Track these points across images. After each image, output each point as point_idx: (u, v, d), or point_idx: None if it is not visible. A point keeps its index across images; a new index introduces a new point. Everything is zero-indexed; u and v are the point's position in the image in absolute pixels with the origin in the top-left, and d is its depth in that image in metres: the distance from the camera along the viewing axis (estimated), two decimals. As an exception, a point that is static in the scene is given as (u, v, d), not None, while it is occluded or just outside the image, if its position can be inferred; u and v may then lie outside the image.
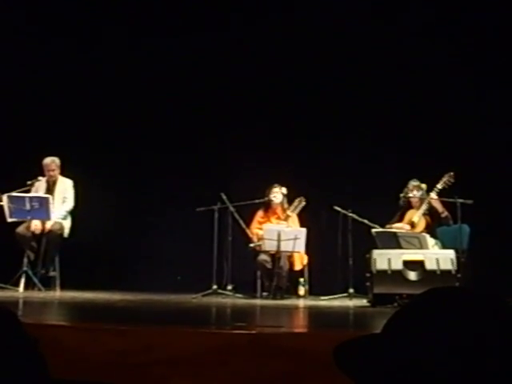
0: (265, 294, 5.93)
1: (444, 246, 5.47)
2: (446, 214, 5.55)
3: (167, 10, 7.17)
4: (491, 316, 0.71)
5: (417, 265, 4.96)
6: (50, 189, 6.27)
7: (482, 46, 6.58)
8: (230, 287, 5.93)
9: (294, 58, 7.02)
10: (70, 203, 6.28)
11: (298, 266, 6.12)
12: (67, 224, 6.21)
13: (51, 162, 6.30)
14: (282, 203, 6.29)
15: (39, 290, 5.72)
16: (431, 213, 5.65)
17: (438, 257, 4.99)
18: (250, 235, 6.18)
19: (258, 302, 5.60)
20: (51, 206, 5.90)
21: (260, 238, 6.04)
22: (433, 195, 5.59)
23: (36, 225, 6.02)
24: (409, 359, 0.70)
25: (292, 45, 6.97)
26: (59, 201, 6.22)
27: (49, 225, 6.00)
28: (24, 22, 7.12)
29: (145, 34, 7.17)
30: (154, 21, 7.19)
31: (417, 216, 5.65)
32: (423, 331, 0.71)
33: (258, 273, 6.04)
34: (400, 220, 5.81)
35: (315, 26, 6.89)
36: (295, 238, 5.77)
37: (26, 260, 5.79)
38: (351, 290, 5.76)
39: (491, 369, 0.67)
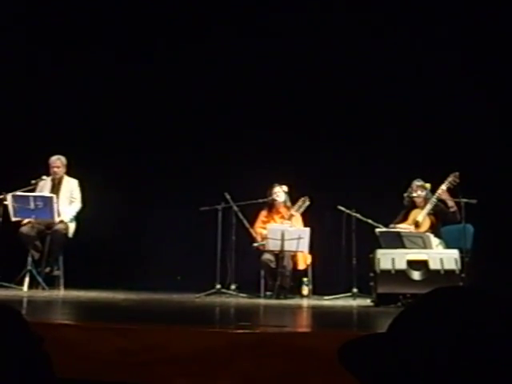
0: (268, 293, 5.92)
1: (448, 246, 5.46)
2: (455, 208, 5.53)
3: (171, 14, 7.18)
4: (496, 315, 0.71)
5: (421, 264, 4.96)
6: (56, 188, 6.28)
7: (484, 46, 6.57)
8: (233, 287, 5.93)
9: (295, 57, 7.02)
10: (78, 204, 6.29)
11: (301, 266, 6.12)
12: (73, 225, 6.22)
13: (56, 159, 6.32)
14: (284, 202, 6.29)
15: (43, 289, 5.73)
16: (436, 212, 5.63)
17: (442, 256, 4.98)
18: (254, 235, 6.18)
19: (262, 301, 5.60)
20: (55, 206, 5.91)
21: (264, 238, 6.04)
22: (443, 188, 5.55)
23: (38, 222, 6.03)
24: (413, 359, 0.70)
25: (292, 44, 6.98)
26: (65, 200, 6.23)
27: (56, 221, 6.01)
28: (27, 20, 7.14)
29: (147, 34, 7.19)
30: (157, 22, 7.20)
31: (421, 216, 5.63)
32: (428, 331, 0.70)
33: (262, 272, 6.04)
34: (404, 220, 5.79)
35: (315, 27, 6.89)
36: (299, 238, 5.77)
37: (30, 259, 5.80)
38: (355, 290, 5.76)
39: (495, 368, 0.67)
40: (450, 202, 5.56)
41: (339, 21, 6.83)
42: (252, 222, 6.29)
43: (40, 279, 5.79)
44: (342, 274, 5.91)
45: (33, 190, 6.08)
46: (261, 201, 6.31)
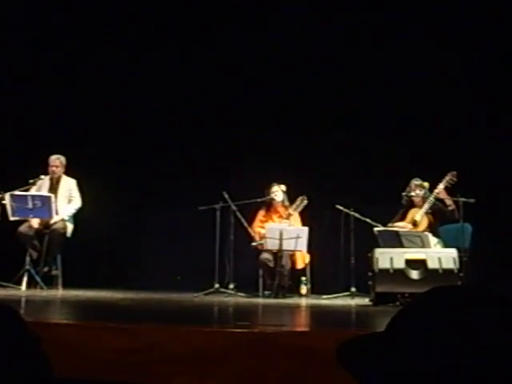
0: (267, 292, 5.92)
1: (446, 245, 5.47)
2: (453, 207, 5.53)
3: (170, 14, 7.18)
4: (494, 315, 0.71)
5: (419, 264, 4.96)
6: (54, 187, 6.28)
7: (483, 45, 6.57)
8: (231, 286, 5.93)
9: (295, 57, 7.02)
10: (77, 202, 6.30)
11: (299, 265, 6.13)
12: (71, 224, 6.22)
13: (56, 158, 6.33)
14: (283, 201, 6.29)
15: (41, 288, 5.73)
16: (434, 210, 5.63)
17: (441, 256, 4.98)
18: (252, 234, 6.18)
19: (260, 300, 5.60)
20: (53, 205, 5.91)
21: (262, 237, 6.04)
22: (441, 187, 5.55)
23: (38, 222, 6.03)
24: (412, 358, 0.70)
25: (292, 43, 6.97)
26: (63, 199, 6.24)
27: (54, 219, 6.01)
28: (27, 20, 7.13)
29: (147, 35, 7.18)
30: (155, 22, 7.20)
31: (419, 215, 5.64)
32: (426, 330, 0.70)
33: (260, 271, 6.04)
34: (402, 219, 5.80)
35: (315, 26, 6.89)
36: (297, 237, 5.77)
37: (28, 259, 5.80)
38: (353, 289, 5.76)
39: (494, 368, 0.67)
40: (449, 201, 5.57)
41: (339, 20, 6.82)
42: (250, 222, 6.29)
43: (38, 279, 5.78)
44: (341, 273, 5.91)
45: (30, 189, 6.07)
46: (259, 200, 6.31)
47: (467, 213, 5.40)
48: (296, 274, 6.15)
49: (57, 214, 6.04)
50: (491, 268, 5.77)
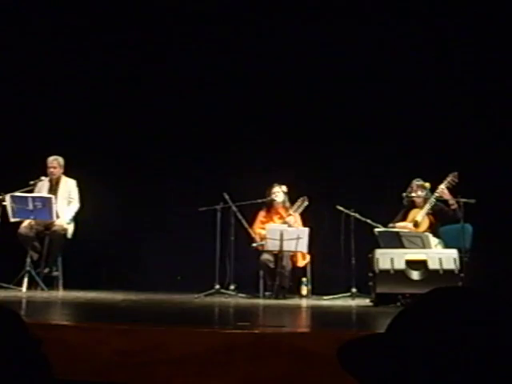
0: (267, 293, 5.92)
1: (447, 246, 5.46)
2: (455, 206, 5.52)
3: (168, 14, 7.19)
4: (494, 315, 0.71)
5: (420, 264, 4.96)
6: (53, 188, 6.28)
7: (483, 46, 6.58)
8: (232, 287, 5.93)
9: (294, 58, 7.02)
10: (76, 204, 6.30)
11: (300, 263, 6.11)
12: (71, 226, 6.22)
13: (53, 159, 6.33)
14: (283, 202, 6.29)
15: (42, 289, 5.73)
16: (435, 211, 5.63)
17: (441, 256, 4.98)
18: (253, 235, 6.18)
19: (261, 301, 5.60)
20: (54, 206, 5.91)
21: (263, 238, 6.04)
22: (442, 187, 5.55)
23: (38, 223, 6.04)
24: (412, 359, 0.70)
25: (292, 44, 6.98)
26: (63, 201, 6.24)
27: (57, 222, 6.01)
28: (26, 20, 7.13)
29: (145, 35, 7.18)
30: (154, 22, 7.20)
31: (420, 215, 5.64)
32: (427, 331, 0.70)
33: (261, 272, 6.04)
34: (403, 219, 5.79)
35: (315, 28, 6.89)
36: (298, 238, 5.77)
37: (28, 260, 5.80)
38: (354, 290, 5.76)
39: (494, 368, 0.67)
40: (451, 201, 5.55)
41: (339, 21, 6.83)
42: (251, 223, 6.29)
43: (39, 280, 5.79)
44: (341, 274, 5.90)
45: (31, 191, 6.08)
46: (259, 201, 6.31)
47: (468, 213, 5.40)
48: (297, 275, 6.15)
49: (57, 215, 6.04)
50: (492, 268, 5.77)
